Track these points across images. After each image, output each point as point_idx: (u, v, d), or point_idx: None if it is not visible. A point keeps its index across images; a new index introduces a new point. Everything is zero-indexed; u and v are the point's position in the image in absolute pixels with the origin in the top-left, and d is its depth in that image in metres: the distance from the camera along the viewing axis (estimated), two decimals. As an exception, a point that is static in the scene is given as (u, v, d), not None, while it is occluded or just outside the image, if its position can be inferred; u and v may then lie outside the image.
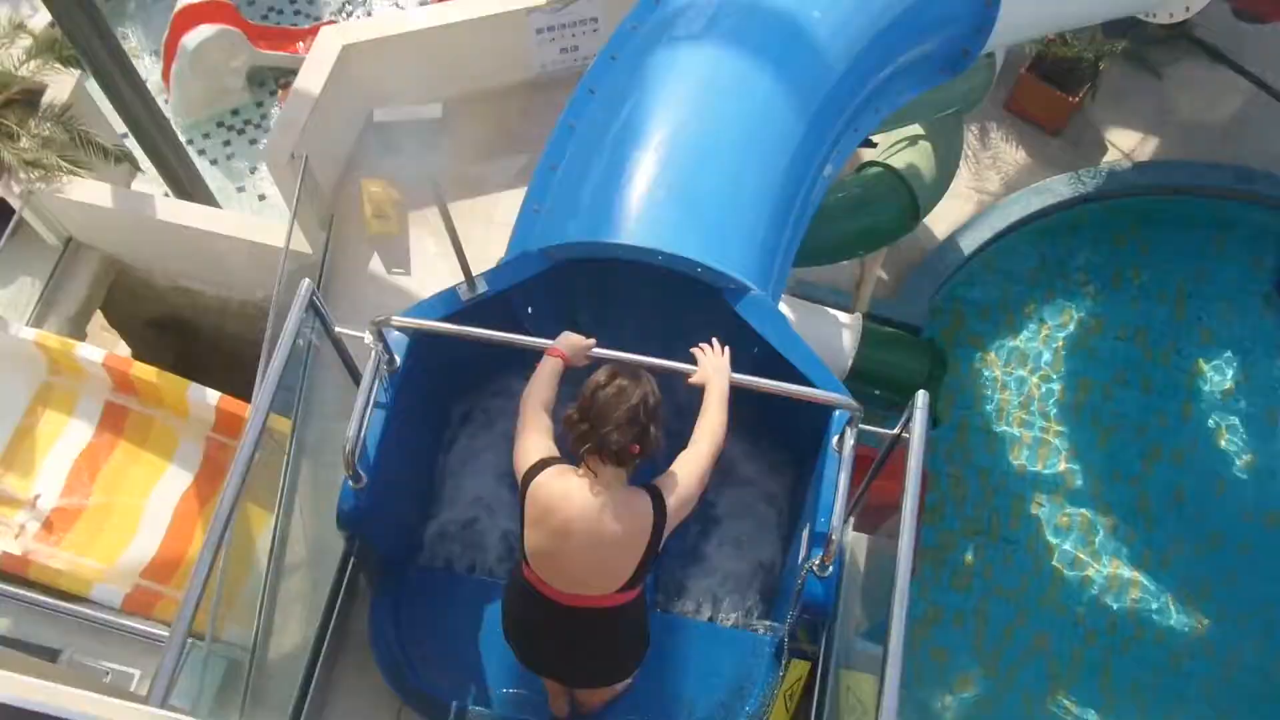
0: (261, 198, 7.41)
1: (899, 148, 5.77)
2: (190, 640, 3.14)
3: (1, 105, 5.84)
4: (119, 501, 5.36)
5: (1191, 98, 7.26)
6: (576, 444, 2.92)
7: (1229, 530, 6.31)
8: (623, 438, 2.84)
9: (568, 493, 2.95)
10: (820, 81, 4.12)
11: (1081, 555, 6.29)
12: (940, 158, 5.74)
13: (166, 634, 3.27)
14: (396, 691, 3.92)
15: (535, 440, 3.05)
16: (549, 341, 3.28)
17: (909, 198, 5.62)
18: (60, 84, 5.99)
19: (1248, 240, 7.04)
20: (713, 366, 3.19)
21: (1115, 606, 6.17)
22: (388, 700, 4.01)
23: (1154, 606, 6.17)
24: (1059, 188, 6.89)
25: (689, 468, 3.03)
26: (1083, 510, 6.39)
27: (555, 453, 3.04)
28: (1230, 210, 7.03)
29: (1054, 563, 6.26)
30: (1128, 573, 6.25)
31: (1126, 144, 7.12)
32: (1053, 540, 6.32)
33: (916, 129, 5.74)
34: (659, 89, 3.96)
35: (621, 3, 5.59)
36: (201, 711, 3.92)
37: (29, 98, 5.95)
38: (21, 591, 4.91)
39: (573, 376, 3.17)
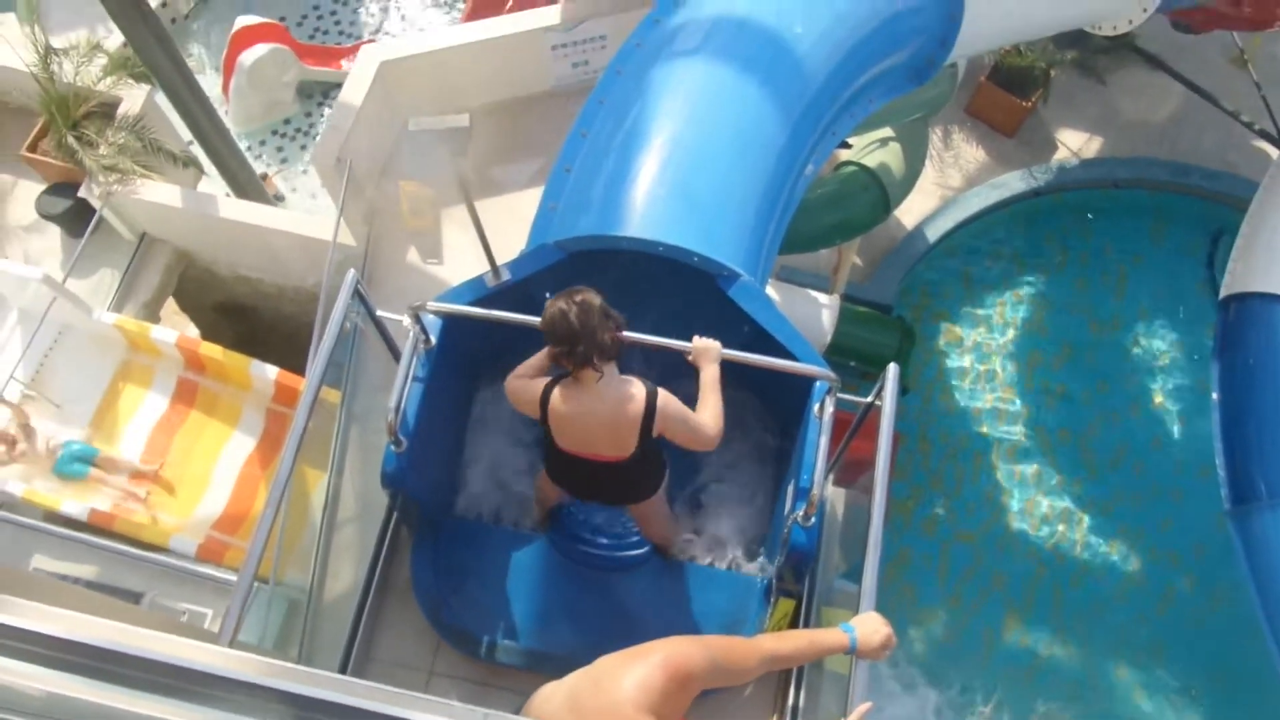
0: (312, 197, 7.39)
1: (872, 148, 5.73)
2: (255, 584, 3.16)
3: (82, 117, 5.83)
4: (191, 464, 5.40)
5: (1133, 101, 7.20)
6: (570, 365, 3.09)
7: (1164, 481, 6.32)
8: (590, 346, 3.02)
9: (576, 398, 3.17)
10: (802, 91, 4.08)
11: (1033, 505, 6.30)
12: (908, 157, 5.70)
13: (235, 579, 3.29)
14: (435, 627, 3.95)
15: (532, 379, 3.32)
16: None
17: (881, 193, 5.59)
18: (133, 97, 5.98)
19: (1182, 229, 7.01)
20: (702, 352, 3.27)
21: (1063, 549, 6.19)
22: (428, 635, 4.04)
23: (1098, 549, 6.19)
24: (1014, 183, 6.86)
25: (684, 413, 3.21)
26: (1034, 465, 6.40)
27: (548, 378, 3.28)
28: (1166, 202, 6.99)
29: (1009, 511, 6.28)
30: (1075, 519, 6.26)
31: (1074, 143, 7.07)
32: (1008, 491, 6.33)
33: (887, 131, 5.70)
34: (660, 99, 3.93)
35: (626, 22, 5.58)
36: (267, 644, 3.96)
37: (105, 110, 5.94)
38: (109, 543, 4.96)
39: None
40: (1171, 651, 5.91)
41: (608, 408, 3.16)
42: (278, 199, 7.24)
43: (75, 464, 5.24)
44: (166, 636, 1.44)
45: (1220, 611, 5.93)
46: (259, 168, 7.44)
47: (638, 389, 3.17)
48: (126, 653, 1.40)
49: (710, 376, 3.23)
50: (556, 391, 3.21)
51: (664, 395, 3.19)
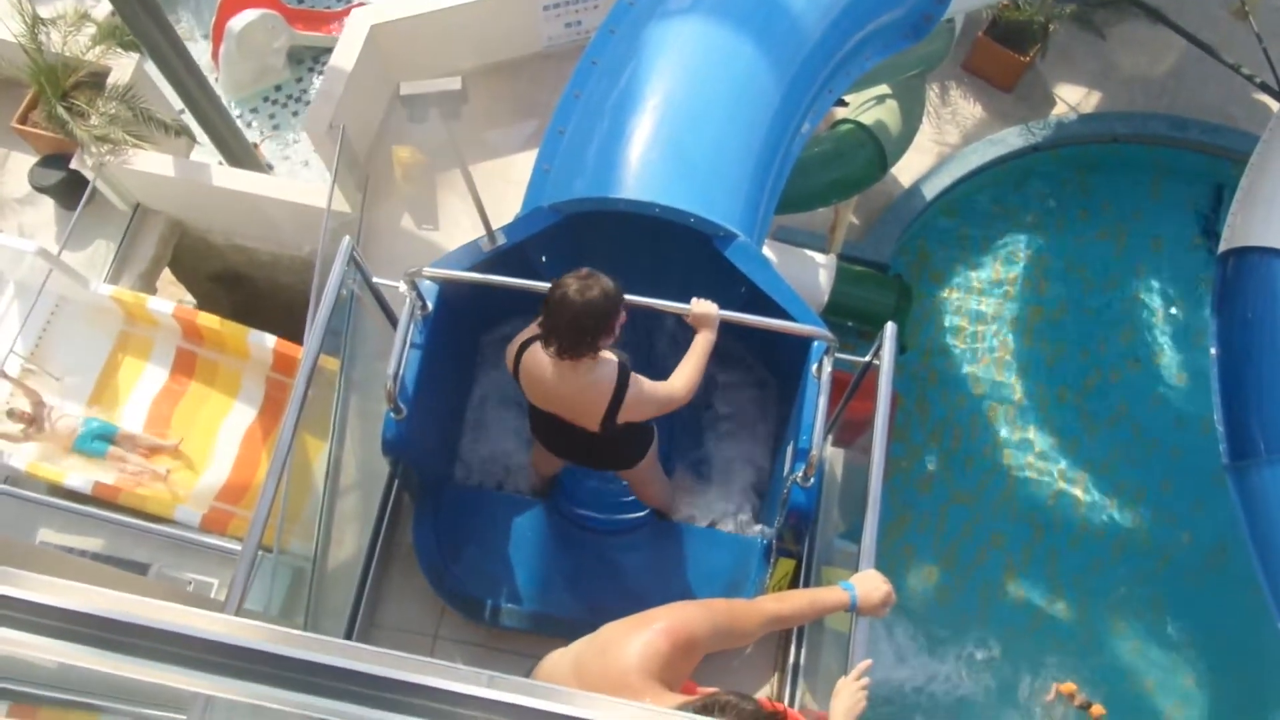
0: (305, 164, 7.35)
1: (868, 106, 5.68)
2: (260, 553, 3.18)
3: (71, 87, 5.77)
4: (194, 435, 5.41)
5: (1133, 55, 7.12)
6: (546, 344, 3.01)
7: (1162, 438, 6.33)
8: (571, 345, 2.94)
9: (544, 365, 3.09)
10: (797, 49, 4.05)
11: (1031, 462, 6.32)
12: (905, 114, 5.66)
13: (239, 548, 3.32)
14: (438, 593, 3.99)
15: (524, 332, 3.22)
16: None
17: (877, 151, 5.56)
18: (122, 66, 5.91)
19: (1181, 184, 6.96)
20: (701, 318, 3.20)
21: (1062, 507, 6.23)
22: (431, 600, 4.08)
23: (1096, 506, 6.22)
24: (1012, 139, 6.81)
25: (656, 396, 3.13)
26: (1032, 423, 6.41)
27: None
28: (1165, 156, 6.94)
29: (1007, 469, 6.30)
30: (1073, 477, 6.29)
31: (1073, 98, 7.01)
32: (1006, 450, 6.35)
33: (884, 89, 5.65)
34: (653, 59, 3.90)
35: (619, -20, 5.49)
36: (272, 611, 4.00)
37: (95, 80, 5.88)
38: (114, 515, 4.98)
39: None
40: (1170, 609, 5.95)
41: (571, 389, 3.11)
42: (267, 168, 7.19)
43: (95, 441, 5.24)
44: (173, 606, 1.46)
45: (1219, 568, 5.97)
46: (249, 136, 7.38)
47: (607, 375, 3.07)
48: (135, 623, 1.42)
49: (705, 342, 3.17)
50: (532, 348, 3.13)
51: (634, 386, 3.09)
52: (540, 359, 3.09)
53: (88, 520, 4.96)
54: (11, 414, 5.17)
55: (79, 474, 5.10)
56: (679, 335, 3.36)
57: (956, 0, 4.53)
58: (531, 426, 3.58)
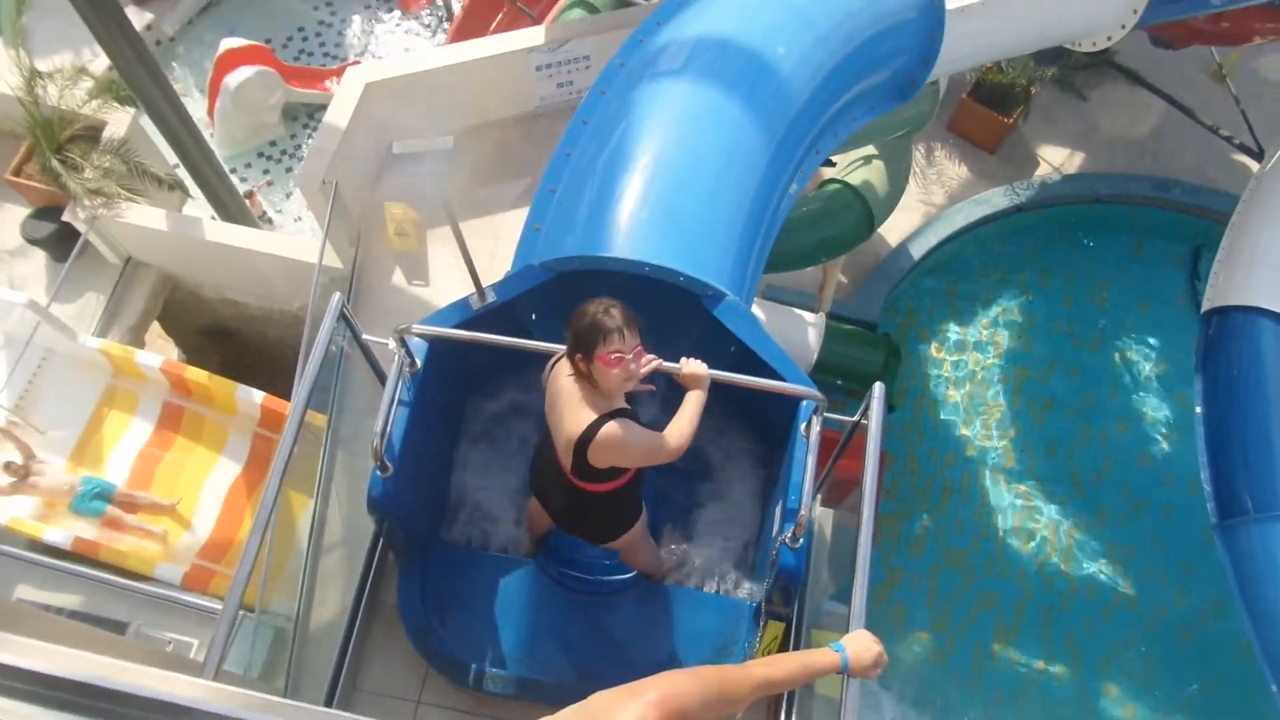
0: (297, 219, 7.40)
1: (855, 166, 5.77)
2: (241, 612, 3.13)
3: (67, 141, 5.82)
4: (177, 490, 5.35)
5: (1113, 116, 7.27)
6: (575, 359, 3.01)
7: (1151, 496, 6.33)
8: (573, 343, 2.95)
9: (559, 375, 3.13)
10: (785, 110, 4.11)
11: (1022, 522, 6.30)
12: (892, 174, 5.74)
13: (220, 607, 3.27)
14: (422, 655, 3.92)
15: None
16: (552, 345, 3.29)
17: (865, 210, 5.62)
18: (118, 120, 5.97)
19: (1164, 243, 7.06)
20: (691, 378, 3.18)
21: (1052, 566, 6.19)
22: (415, 663, 4.01)
23: (1087, 566, 6.19)
24: (996, 199, 6.90)
25: (638, 442, 3.07)
26: (1022, 483, 6.40)
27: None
28: (1148, 216, 7.05)
29: (997, 528, 6.28)
30: (1063, 537, 6.26)
31: (1056, 159, 7.13)
32: (996, 509, 6.33)
33: (870, 149, 5.74)
34: (644, 120, 3.95)
35: (611, 41, 5.61)
36: (253, 674, 3.92)
37: (91, 133, 5.93)
38: (94, 571, 4.91)
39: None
40: (1162, 668, 5.90)
41: (566, 401, 3.08)
42: (263, 219, 7.24)
43: (94, 501, 5.15)
44: (150, 670, 1.43)
45: (1211, 628, 5.93)
46: (243, 185, 7.45)
47: (598, 403, 3.03)
48: (110, 688, 1.39)
49: (696, 400, 3.16)
50: (561, 360, 3.16)
51: (616, 425, 3.00)
52: (562, 368, 3.13)
53: (66, 576, 4.89)
54: (7, 467, 5.10)
55: (59, 529, 5.03)
56: (670, 396, 3.35)
57: (941, 63, 4.61)
58: (531, 466, 3.55)
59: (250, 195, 7.36)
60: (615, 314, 2.92)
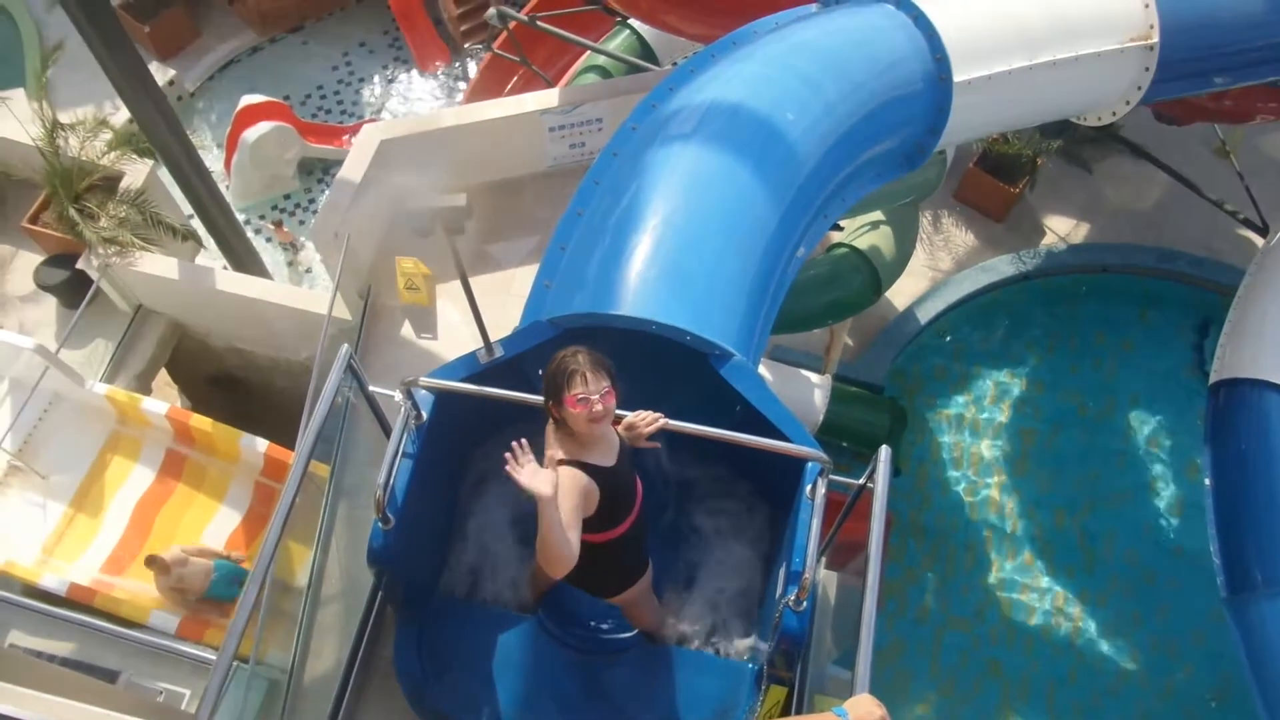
0: (307, 271, 7.46)
1: (863, 231, 5.82)
2: (236, 663, 3.09)
3: (84, 190, 5.91)
4: (176, 538, 5.32)
5: (1118, 189, 7.34)
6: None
7: (1160, 567, 6.25)
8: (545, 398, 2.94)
9: (547, 439, 3.09)
10: (794, 176, 4.16)
11: (1028, 589, 6.22)
12: (899, 240, 5.79)
13: (215, 657, 3.23)
14: (417, 712, 3.85)
15: None
16: None
17: (872, 274, 5.66)
18: (136, 172, 6.07)
19: (1171, 314, 7.08)
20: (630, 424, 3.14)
21: (1059, 636, 6.09)
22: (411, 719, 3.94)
23: (1095, 636, 6.09)
24: (1003, 266, 6.95)
25: (563, 499, 2.88)
26: (1028, 549, 6.34)
27: None
28: (1154, 287, 7.08)
29: (1003, 596, 6.20)
30: (1070, 605, 6.18)
31: (1062, 229, 7.19)
32: (1002, 576, 6.26)
33: (878, 215, 5.80)
34: (655, 181, 4.00)
35: (624, 105, 5.72)
36: (244, 728, 3.86)
37: (108, 184, 6.03)
38: (87, 618, 4.86)
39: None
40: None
41: (545, 458, 3.05)
42: (294, 247, 7.32)
43: (230, 586, 5.02)
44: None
45: (1221, 704, 5.81)
46: (271, 215, 7.54)
47: (563, 448, 2.98)
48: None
49: (547, 509, 2.79)
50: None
51: (560, 472, 2.89)
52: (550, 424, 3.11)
53: (60, 623, 4.84)
54: (151, 563, 4.98)
55: (54, 575, 4.99)
56: (668, 470, 3.33)
57: (948, 134, 4.68)
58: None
59: (278, 225, 7.43)
60: (581, 358, 2.94)
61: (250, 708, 3.96)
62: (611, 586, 3.48)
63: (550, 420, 3.11)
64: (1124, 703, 5.91)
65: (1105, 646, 6.07)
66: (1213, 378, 5.43)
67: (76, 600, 4.94)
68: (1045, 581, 6.26)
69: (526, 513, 4.19)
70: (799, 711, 3.82)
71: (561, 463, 2.97)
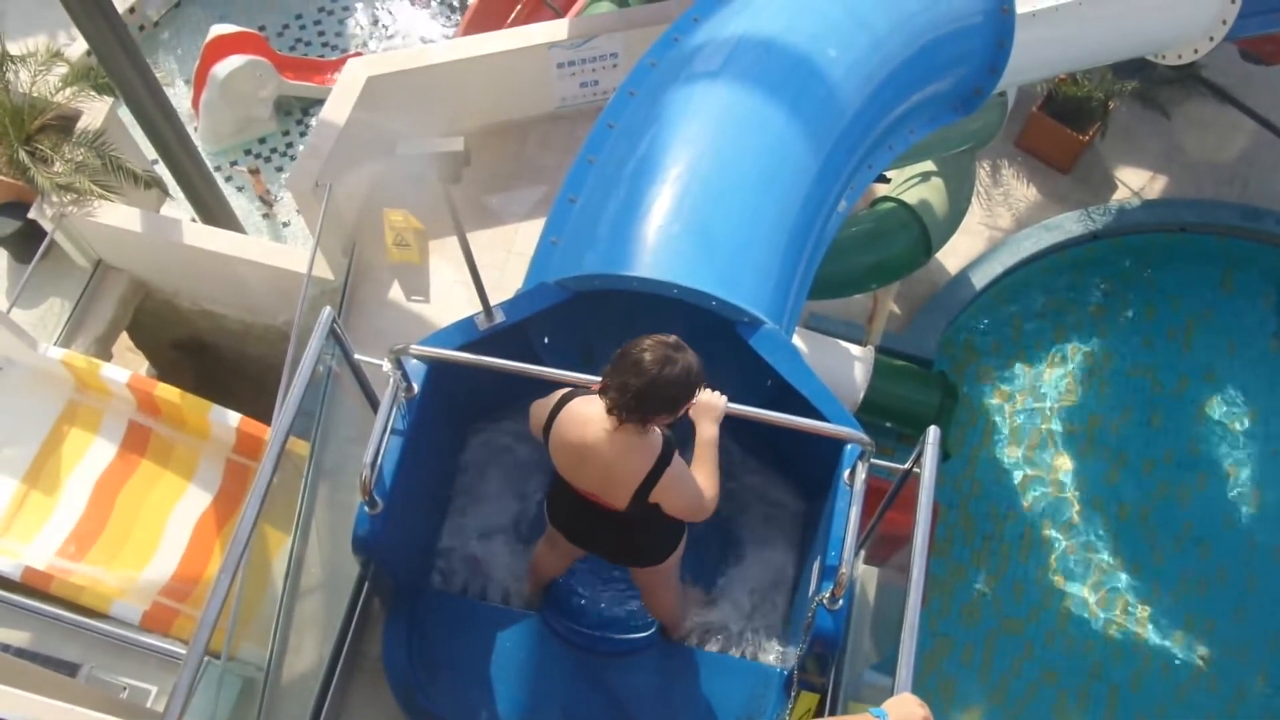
0: (286, 224, 7.45)
1: (912, 183, 5.77)
2: (206, 659, 3.12)
3: (36, 131, 5.89)
4: (140, 520, 5.35)
5: (1199, 137, 7.25)
6: (608, 400, 2.96)
7: (1234, 565, 6.24)
8: (626, 403, 2.89)
9: (584, 425, 3.07)
10: (835, 119, 4.12)
11: (1089, 588, 6.22)
12: (952, 194, 5.74)
13: (184, 651, 3.26)
14: (407, 713, 3.89)
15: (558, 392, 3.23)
16: (563, 372, 3.29)
17: (921, 233, 5.62)
18: (94, 110, 6.04)
19: (1255, 279, 7.00)
20: (702, 409, 3.17)
21: (1122, 640, 6.10)
22: (399, 722, 3.98)
23: (1161, 640, 6.10)
24: (1069, 224, 6.88)
25: (689, 488, 3.11)
26: (1091, 544, 6.33)
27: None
28: (1237, 248, 7.00)
29: (1062, 596, 6.20)
30: (1135, 607, 6.18)
31: (1135, 182, 7.11)
32: (1060, 574, 6.26)
33: (929, 165, 5.75)
34: (677, 125, 3.96)
35: (641, 39, 5.65)
36: (216, 730, 3.90)
37: (63, 123, 6.00)
38: (43, 606, 4.90)
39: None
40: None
41: (610, 453, 3.05)
42: (271, 200, 7.30)
43: None
44: (102, 718, 1.41)
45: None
46: (244, 162, 7.52)
47: (652, 444, 3.04)
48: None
49: (707, 436, 3.13)
50: (570, 406, 3.13)
51: (678, 466, 3.08)
52: (580, 416, 3.09)
53: (14, 611, 4.88)
54: None
55: (8, 558, 5.03)
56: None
57: (1009, 73, 4.62)
58: (550, 509, 3.54)
59: (254, 173, 7.42)
60: (694, 354, 2.96)
61: (223, 707, 4.01)
62: (658, 551, 3.49)
63: (576, 401, 3.15)
64: (1191, 711, 5.92)
65: (1172, 651, 6.07)
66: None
67: (31, 586, 4.98)
68: (1107, 578, 6.26)
69: (526, 495, 4.21)
70: (832, 721, 3.83)
71: (665, 457, 3.07)
